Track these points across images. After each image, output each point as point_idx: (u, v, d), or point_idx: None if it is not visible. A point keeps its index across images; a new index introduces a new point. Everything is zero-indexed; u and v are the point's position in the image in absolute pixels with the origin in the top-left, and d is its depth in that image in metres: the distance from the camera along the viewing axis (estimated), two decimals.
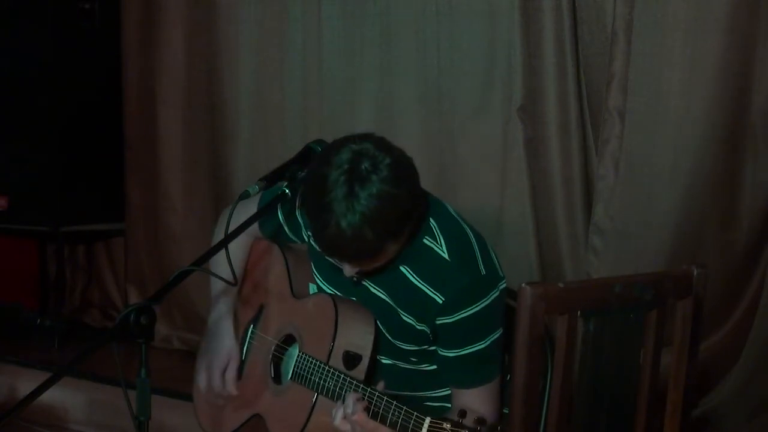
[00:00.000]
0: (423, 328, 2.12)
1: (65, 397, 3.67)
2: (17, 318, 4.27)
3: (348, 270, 2.05)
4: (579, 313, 1.81)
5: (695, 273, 1.98)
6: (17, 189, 4.35)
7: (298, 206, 2.21)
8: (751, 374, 3.09)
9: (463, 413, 1.83)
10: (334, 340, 2.12)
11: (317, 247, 2.04)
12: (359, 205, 1.90)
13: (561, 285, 1.79)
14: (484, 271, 2.09)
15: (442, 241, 2.10)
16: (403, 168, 1.97)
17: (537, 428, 1.84)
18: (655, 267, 3.09)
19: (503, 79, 3.42)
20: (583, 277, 3.28)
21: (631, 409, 1.95)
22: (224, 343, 2.37)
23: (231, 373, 2.35)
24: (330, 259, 2.09)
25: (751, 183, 3.11)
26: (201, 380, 2.38)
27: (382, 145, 1.98)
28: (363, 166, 1.92)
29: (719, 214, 3.14)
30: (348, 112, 3.71)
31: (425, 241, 2.10)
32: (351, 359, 2.12)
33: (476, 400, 2.12)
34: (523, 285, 1.76)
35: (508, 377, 2.25)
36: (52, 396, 3.57)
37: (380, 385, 2.02)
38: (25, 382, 3.70)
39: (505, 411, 2.08)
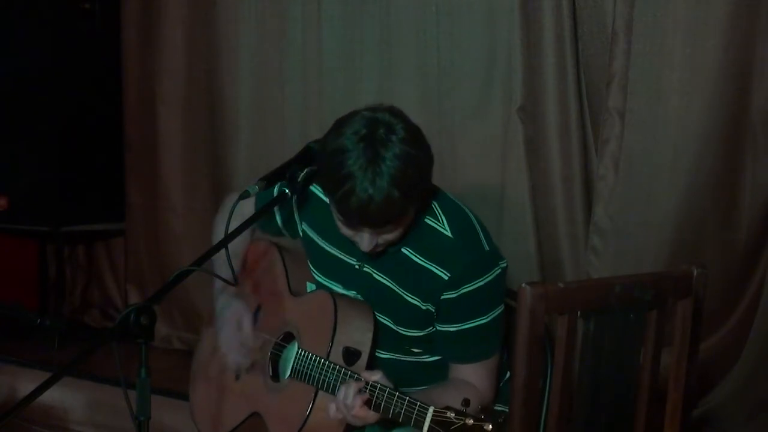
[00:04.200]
0: (428, 307, 2.13)
1: (65, 397, 3.67)
2: (17, 318, 4.25)
3: (368, 242, 2.04)
4: (579, 313, 1.82)
5: (695, 273, 1.98)
6: (17, 189, 4.35)
7: (314, 181, 2.21)
8: (751, 374, 3.09)
9: (467, 402, 1.83)
10: (333, 337, 2.12)
11: (340, 220, 2.03)
12: (385, 167, 1.92)
13: (561, 285, 1.80)
14: (487, 247, 2.13)
15: (444, 221, 2.13)
16: (416, 130, 2.02)
17: (537, 428, 1.84)
18: (655, 267, 3.10)
19: (503, 79, 3.42)
20: (583, 277, 3.28)
21: (631, 409, 1.95)
22: (232, 308, 2.31)
23: (246, 326, 2.28)
24: (347, 234, 2.07)
25: (751, 183, 3.10)
26: (223, 343, 2.30)
27: (393, 111, 2.02)
28: (380, 131, 1.96)
29: (719, 214, 3.14)
30: (348, 112, 3.70)
31: (427, 221, 2.13)
32: (350, 355, 2.12)
33: (474, 376, 2.15)
34: (523, 285, 1.76)
35: (508, 376, 2.26)
36: (52, 396, 3.57)
37: (377, 374, 2.01)
38: (25, 382, 3.70)
39: (505, 409, 2.08)
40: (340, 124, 2.02)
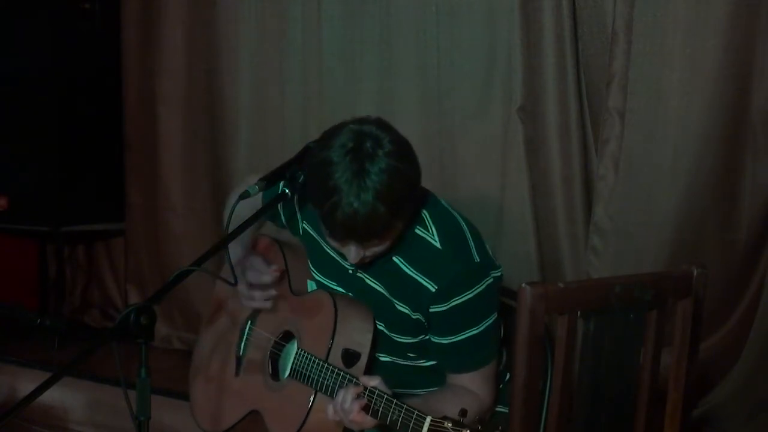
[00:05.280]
0: (418, 317, 2.13)
1: (65, 397, 3.67)
2: (17, 318, 4.25)
3: (354, 254, 2.04)
4: (579, 313, 1.82)
5: (695, 273, 1.98)
6: (17, 189, 4.35)
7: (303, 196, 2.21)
8: (751, 374, 3.09)
9: (464, 412, 1.83)
10: (333, 338, 2.12)
11: (326, 232, 2.04)
12: (370, 181, 1.92)
13: (561, 285, 1.80)
14: (477, 259, 2.11)
15: (434, 231, 2.12)
16: (404, 144, 2.02)
17: (537, 428, 1.84)
18: (655, 267, 3.10)
19: (503, 79, 3.42)
20: (583, 277, 3.28)
21: (631, 409, 1.95)
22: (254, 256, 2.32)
23: (266, 271, 2.28)
24: (335, 245, 2.08)
25: (751, 183, 3.10)
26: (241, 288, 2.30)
27: (381, 123, 2.02)
28: (367, 144, 1.95)
29: (719, 214, 3.13)
30: (348, 112, 3.63)
31: (417, 231, 2.12)
32: (350, 357, 2.12)
33: (472, 383, 2.15)
34: (523, 285, 1.76)
35: (508, 377, 2.26)
36: (52, 396, 3.57)
37: (376, 380, 2.02)
38: (25, 382, 3.70)
39: (506, 411, 2.08)
40: (328, 136, 2.02)
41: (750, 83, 3.04)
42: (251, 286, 2.29)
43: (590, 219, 3.32)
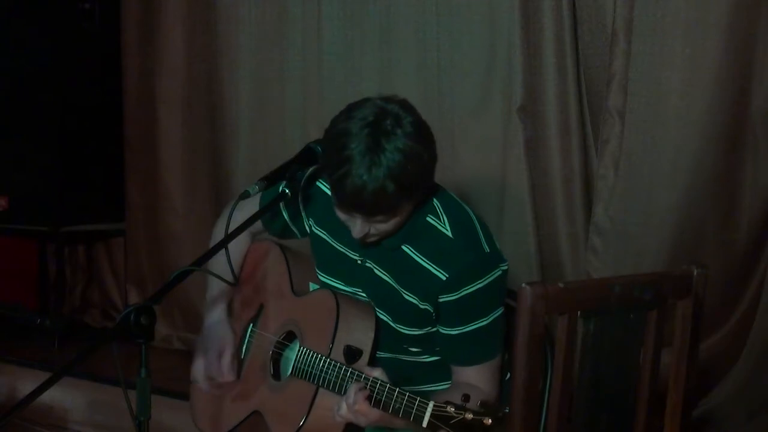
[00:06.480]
0: (426, 307, 2.13)
1: (65, 397, 3.67)
2: (17, 318, 4.27)
3: (359, 228, 2.05)
4: (579, 313, 1.82)
5: (695, 273, 1.98)
6: (17, 189, 4.36)
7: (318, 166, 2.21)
8: (751, 374, 3.09)
9: (466, 397, 1.83)
10: (335, 335, 2.13)
11: (335, 202, 2.04)
12: (384, 158, 1.93)
13: (561, 285, 1.79)
14: (487, 249, 2.12)
15: (445, 220, 2.13)
16: (424, 128, 2.04)
17: (537, 428, 1.84)
18: (655, 267, 3.10)
19: (503, 79, 3.42)
20: (583, 277, 3.28)
21: (631, 409, 1.95)
22: (220, 333, 2.36)
23: (227, 358, 2.32)
24: (342, 218, 2.08)
25: (751, 183, 3.10)
26: (197, 366, 2.34)
27: (405, 105, 2.03)
28: (387, 122, 1.97)
29: (719, 214, 3.14)
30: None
31: (428, 219, 2.13)
32: (352, 354, 2.12)
33: (477, 377, 2.15)
34: (523, 285, 1.76)
35: (508, 377, 2.26)
36: (52, 396, 3.57)
37: (377, 371, 2.01)
38: (25, 382, 3.70)
39: (505, 410, 2.08)
40: (351, 108, 2.03)
41: (750, 83, 3.04)
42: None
43: (590, 219, 3.32)
